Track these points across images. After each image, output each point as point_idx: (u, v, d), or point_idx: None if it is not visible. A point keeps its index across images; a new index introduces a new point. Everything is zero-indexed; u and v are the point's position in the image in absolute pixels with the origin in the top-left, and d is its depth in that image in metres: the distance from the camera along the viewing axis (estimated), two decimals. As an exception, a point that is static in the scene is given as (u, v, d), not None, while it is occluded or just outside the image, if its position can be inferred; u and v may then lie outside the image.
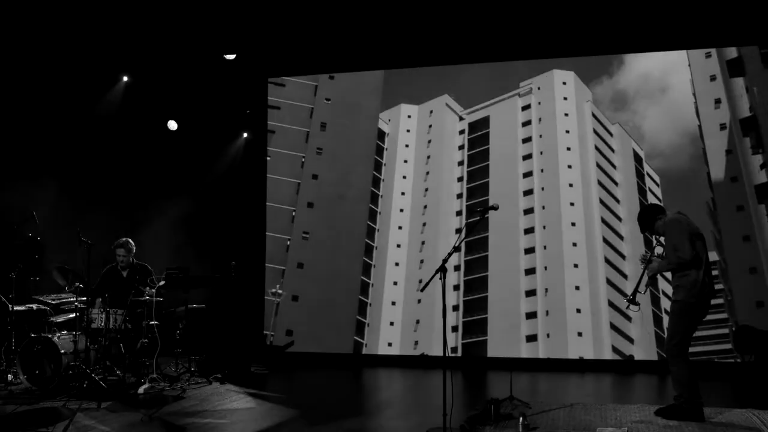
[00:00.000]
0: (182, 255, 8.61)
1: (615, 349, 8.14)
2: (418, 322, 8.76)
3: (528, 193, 8.85)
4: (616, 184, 8.66)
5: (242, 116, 9.48)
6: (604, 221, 8.56)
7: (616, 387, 7.19)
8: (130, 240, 7.45)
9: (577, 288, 8.41)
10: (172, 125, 9.32)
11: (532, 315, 8.45)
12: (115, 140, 9.07)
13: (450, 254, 4.94)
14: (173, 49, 8.73)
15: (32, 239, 7.92)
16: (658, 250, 5.47)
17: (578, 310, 8.33)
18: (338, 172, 9.41)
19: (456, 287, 8.86)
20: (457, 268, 8.87)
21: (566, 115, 8.90)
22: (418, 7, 7.92)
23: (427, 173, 9.26)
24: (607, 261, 8.41)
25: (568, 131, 8.86)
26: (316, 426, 5.45)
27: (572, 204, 8.63)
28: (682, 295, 5.20)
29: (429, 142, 9.38)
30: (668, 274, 5.41)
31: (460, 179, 9.17)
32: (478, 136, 9.20)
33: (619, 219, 8.53)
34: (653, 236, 5.56)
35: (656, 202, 8.24)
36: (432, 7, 7.92)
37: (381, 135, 9.42)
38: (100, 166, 8.99)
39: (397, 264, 9.12)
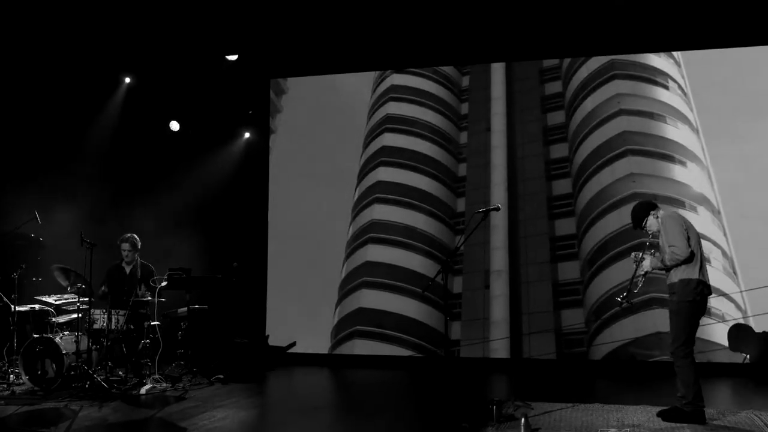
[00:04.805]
0: (184, 256, 8.61)
1: (617, 350, 8.09)
2: (420, 323, 8.74)
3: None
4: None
5: (244, 117, 9.48)
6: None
7: (619, 388, 7.17)
8: (135, 235, 7.45)
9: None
10: (174, 126, 9.32)
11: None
12: (117, 141, 9.08)
13: (452, 255, 4.95)
14: (175, 50, 8.74)
15: (34, 239, 7.93)
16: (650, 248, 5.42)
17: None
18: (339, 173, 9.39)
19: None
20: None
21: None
22: (421, 8, 7.91)
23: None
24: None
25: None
26: (318, 426, 5.45)
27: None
28: (678, 296, 5.18)
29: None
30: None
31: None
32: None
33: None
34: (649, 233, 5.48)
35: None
36: (434, 7, 7.91)
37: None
38: (102, 167, 9.01)
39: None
